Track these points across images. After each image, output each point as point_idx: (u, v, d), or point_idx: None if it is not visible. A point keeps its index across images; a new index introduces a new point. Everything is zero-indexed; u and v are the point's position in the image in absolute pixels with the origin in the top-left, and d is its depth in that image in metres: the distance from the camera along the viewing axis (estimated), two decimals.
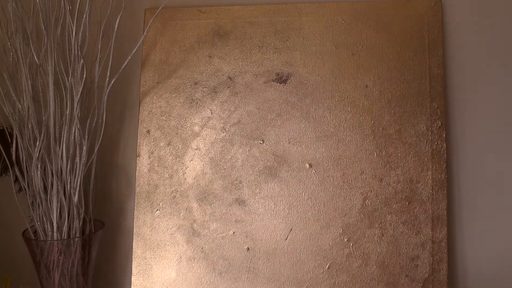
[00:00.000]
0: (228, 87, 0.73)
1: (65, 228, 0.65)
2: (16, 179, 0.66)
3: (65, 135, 0.65)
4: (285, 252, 0.71)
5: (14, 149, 0.65)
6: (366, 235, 0.70)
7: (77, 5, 0.64)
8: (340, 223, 0.70)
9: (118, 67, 0.68)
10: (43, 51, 0.64)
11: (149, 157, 0.73)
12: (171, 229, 0.72)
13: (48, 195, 0.64)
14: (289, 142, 0.71)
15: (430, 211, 0.69)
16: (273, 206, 0.71)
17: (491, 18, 0.72)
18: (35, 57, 0.64)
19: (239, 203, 0.72)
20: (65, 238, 0.65)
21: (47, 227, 0.65)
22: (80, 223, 0.66)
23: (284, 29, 0.73)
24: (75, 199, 0.65)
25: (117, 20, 0.67)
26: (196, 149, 0.73)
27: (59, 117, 0.65)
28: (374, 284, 0.69)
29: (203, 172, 0.72)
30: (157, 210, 0.73)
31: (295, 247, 0.70)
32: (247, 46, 0.74)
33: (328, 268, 0.70)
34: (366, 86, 0.71)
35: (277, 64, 0.73)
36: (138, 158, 0.74)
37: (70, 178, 0.65)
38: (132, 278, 0.72)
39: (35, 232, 0.67)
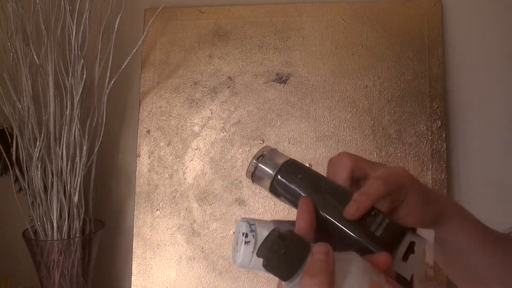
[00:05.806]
0: (228, 87, 0.73)
1: (65, 228, 0.65)
2: (16, 179, 0.66)
3: (65, 135, 0.65)
4: None
5: (14, 149, 0.65)
6: None
7: (77, 5, 0.65)
8: None
9: (118, 67, 0.68)
10: (43, 51, 0.64)
11: (149, 157, 0.73)
12: (171, 229, 0.72)
13: (48, 195, 0.64)
14: (289, 142, 0.71)
15: None
16: (273, 206, 0.71)
17: (491, 18, 0.72)
18: (35, 57, 0.64)
19: (239, 203, 0.72)
20: (65, 238, 0.65)
21: (47, 227, 0.65)
22: (80, 223, 0.66)
23: (284, 29, 0.73)
24: (75, 199, 0.65)
25: (117, 20, 0.67)
26: (196, 149, 0.73)
27: (59, 117, 0.65)
28: None
29: (203, 172, 0.72)
30: (157, 210, 0.73)
31: None
32: (247, 46, 0.74)
33: None
34: (366, 86, 0.71)
35: (277, 64, 0.73)
36: (138, 158, 0.74)
37: (70, 178, 0.65)
38: (132, 278, 0.72)
39: (35, 232, 0.67)
